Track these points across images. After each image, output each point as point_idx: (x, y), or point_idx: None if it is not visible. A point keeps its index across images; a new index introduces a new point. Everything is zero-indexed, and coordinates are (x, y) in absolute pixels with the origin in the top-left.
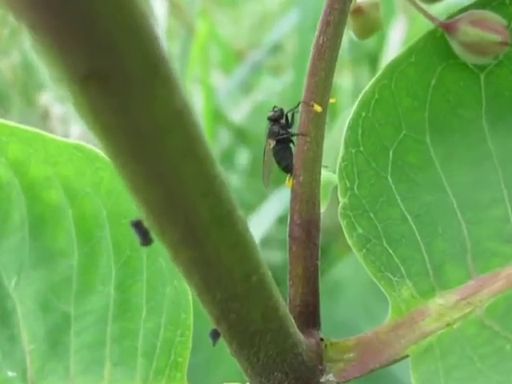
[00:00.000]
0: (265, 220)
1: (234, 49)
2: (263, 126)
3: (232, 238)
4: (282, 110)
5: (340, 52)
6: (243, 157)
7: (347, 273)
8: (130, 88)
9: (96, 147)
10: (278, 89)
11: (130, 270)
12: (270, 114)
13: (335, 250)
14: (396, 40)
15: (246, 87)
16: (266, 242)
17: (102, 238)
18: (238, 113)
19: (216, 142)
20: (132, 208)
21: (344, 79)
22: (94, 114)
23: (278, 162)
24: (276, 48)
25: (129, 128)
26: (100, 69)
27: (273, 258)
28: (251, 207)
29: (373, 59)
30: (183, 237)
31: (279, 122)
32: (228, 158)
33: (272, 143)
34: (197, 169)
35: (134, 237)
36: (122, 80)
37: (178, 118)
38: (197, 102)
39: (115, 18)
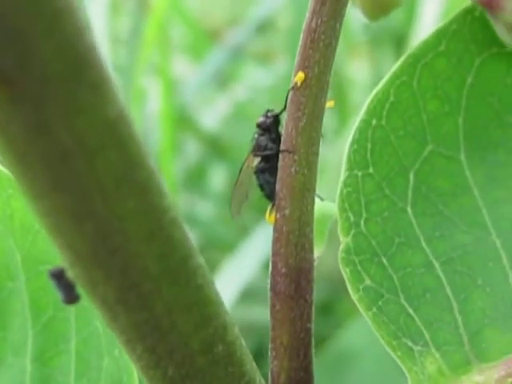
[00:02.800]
0: (247, 264)
1: (205, 27)
2: (247, 135)
3: (189, 295)
4: (277, 117)
5: (352, 31)
6: (218, 177)
7: (360, 339)
8: (44, 95)
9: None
10: (267, 83)
11: (53, 335)
12: (261, 119)
13: (343, 308)
14: (431, 12)
15: (223, 80)
16: (250, 293)
17: (13, 292)
18: (212, 116)
19: (180, 157)
20: (57, 252)
21: (359, 69)
22: None
23: (262, 187)
24: (264, 27)
25: (44, 148)
26: (3, 67)
27: (258, 315)
28: (229, 246)
29: (399, 41)
30: (122, 295)
31: (270, 132)
32: (198, 178)
33: (256, 160)
34: (138, 201)
35: (55, 292)
36: (33, 84)
37: (111, 133)
38: (154, 101)
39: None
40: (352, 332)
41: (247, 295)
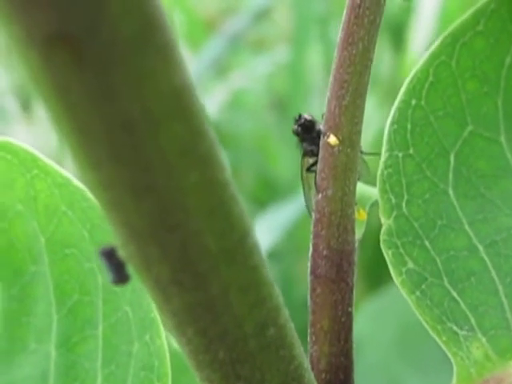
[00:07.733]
0: None
1: (202, 15)
2: (244, 123)
3: (245, 275)
4: (308, 122)
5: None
6: None
7: (365, 327)
8: (111, 58)
9: (26, 145)
10: (265, 71)
11: (79, 320)
12: (294, 127)
13: None
14: (429, 2)
15: (221, 68)
16: None
17: (37, 276)
18: (210, 104)
19: None
20: (83, 235)
21: None
22: (58, 92)
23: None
24: (260, 15)
25: (106, 115)
26: (71, 29)
27: None
28: None
29: (396, 31)
30: (177, 274)
31: (309, 134)
32: None
33: (311, 160)
34: (201, 174)
35: (104, 271)
36: (100, 47)
37: (176, 101)
38: None
39: None
40: (357, 319)
41: None
